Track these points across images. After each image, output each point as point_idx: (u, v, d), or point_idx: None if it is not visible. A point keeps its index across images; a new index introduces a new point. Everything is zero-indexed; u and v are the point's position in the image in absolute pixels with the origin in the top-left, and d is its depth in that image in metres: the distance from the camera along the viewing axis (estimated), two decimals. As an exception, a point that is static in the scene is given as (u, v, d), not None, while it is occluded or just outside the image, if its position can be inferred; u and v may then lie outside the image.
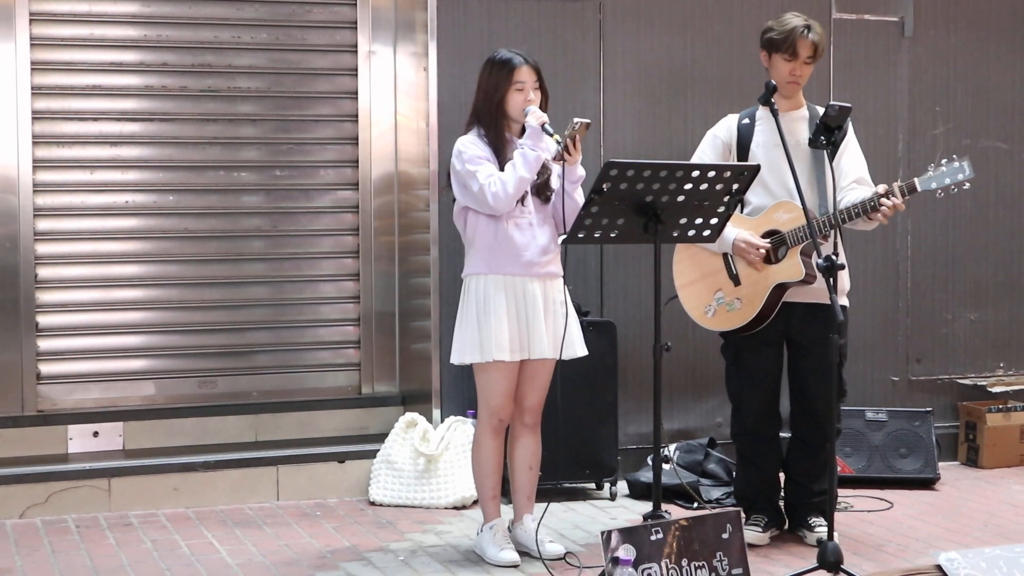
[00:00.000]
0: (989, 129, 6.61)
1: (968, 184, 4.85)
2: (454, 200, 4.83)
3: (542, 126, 4.64)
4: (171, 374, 5.95)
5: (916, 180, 4.86)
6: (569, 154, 4.63)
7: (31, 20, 5.66)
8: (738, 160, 5.06)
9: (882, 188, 4.82)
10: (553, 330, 4.74)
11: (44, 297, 5.75)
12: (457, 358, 4.82)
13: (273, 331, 6.07)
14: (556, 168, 4.74)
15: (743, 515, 4.93)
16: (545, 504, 4.92)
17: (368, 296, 6.15)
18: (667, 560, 3.90)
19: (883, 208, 4.77)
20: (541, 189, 4.76)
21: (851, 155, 5.09)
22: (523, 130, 4.72)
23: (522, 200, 4.72)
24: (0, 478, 5.39)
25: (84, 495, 5.48)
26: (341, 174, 6.13)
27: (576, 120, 4.59)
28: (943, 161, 4.87)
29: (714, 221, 4.67)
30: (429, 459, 5.63)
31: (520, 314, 4.72)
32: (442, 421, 5.79)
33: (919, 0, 6.45)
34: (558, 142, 4.60)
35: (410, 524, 5.38)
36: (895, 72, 6.45)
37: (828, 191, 4.92)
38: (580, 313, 4.93)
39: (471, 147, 4.74)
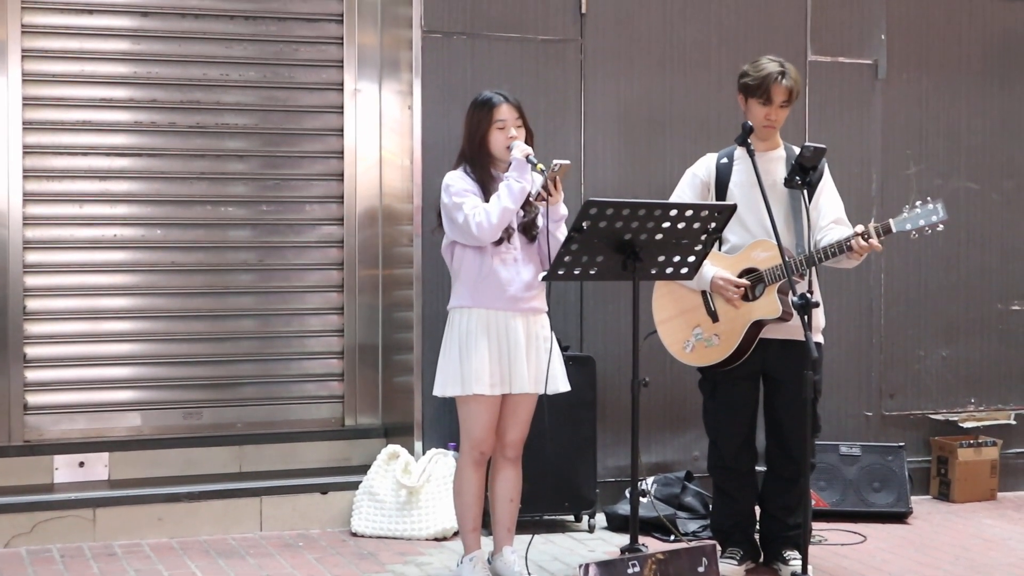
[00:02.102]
0: (960, 170, 6.74)
1: (942, 226, 4.93)
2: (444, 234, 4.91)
3: (526, 158, 4.72)
4: (157, 405, 5.99)
5: (891, 221, 4.93)
6: (550, 194, 4.72)
7: (23, 56, 5.74)
8: (716, 198, 5.15)
9: (859, 228, 4.91)
10: (535, 365, 4.82)
11: (32, 328, 5.81)
12: (439, 390, 4.88)
13: (258, 363, 6.13)
14: (543, 207, 4.83)
15: (719, 548, 5.02)
16: (530, 537, 4.99)
17: (352, 329, 6.22)
18: (645, 591, 3.98)
19: (859, 247, 4.86)
20: (528, 228, 4.84)
21: (828, 195, 5.17)
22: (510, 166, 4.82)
23: (508, 237, 4.79)
24: (-14, 507, 5.44)
25: (69, 525, 5.52)
26: (327, 209, 6.21)
27: (556, 162, 4.68)
28: (917, 203, 4.95)
29: (692, 259, 4.76)
30: (411, 491, 5.69)
31: (502, 349, 4.79)
32: (424, 453, 5.85)
33: (892, 44, 6.59)
34: (542, 171, 4.68)
35: (391, 555, 5.43)
36: (869, 113, 6.58)
37: (804, 230, 5.00)
38: (560, 348, 5.01)
39: (458, 181, 4.82)
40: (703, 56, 6.32)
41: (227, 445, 6.04)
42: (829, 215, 5.11)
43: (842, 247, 4.89)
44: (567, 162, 4.70)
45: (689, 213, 4.61)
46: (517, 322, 4.80)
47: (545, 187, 4.70)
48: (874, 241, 4.86)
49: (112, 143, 5.92)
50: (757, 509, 5.33)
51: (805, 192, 4.96)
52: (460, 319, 4.83)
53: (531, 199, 4.77)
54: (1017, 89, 6.84)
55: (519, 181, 4.71)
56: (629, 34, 6.21)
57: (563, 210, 4.83)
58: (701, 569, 4.09)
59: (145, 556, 5.36)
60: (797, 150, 5.04)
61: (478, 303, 4.79)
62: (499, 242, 4.77)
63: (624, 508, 5.77)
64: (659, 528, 5.67)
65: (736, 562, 5.16)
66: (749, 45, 6.21)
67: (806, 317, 4.55)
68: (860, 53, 6.56)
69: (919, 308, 6.67)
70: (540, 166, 4.68)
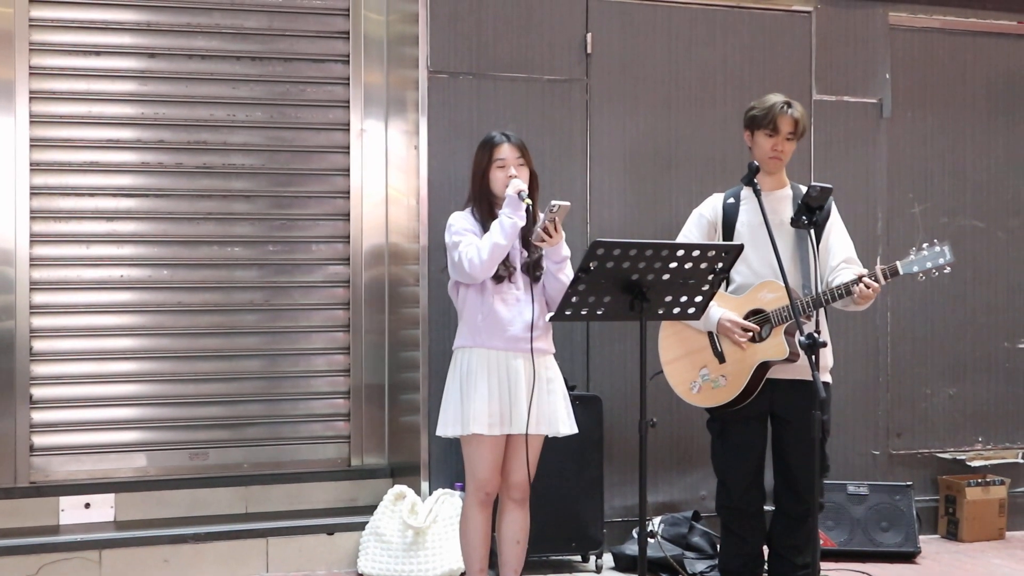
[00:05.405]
0: (966, 208, 6.76)
1: (949, 268, 4.92)
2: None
3: (518, 194, 4.72)
4: (163, 446, 5.98)
5: (898, 264, 4.93)
6: (550, 236, 4.72)
7: (31, 98, 5.77)
8: (723, 239, 5.16)
9: (865, 271, 4.92)
10: (536, 406, 4.80)
11: (39, 369, 5.81)
12: (441, 430, 4.86)
13: (265, 404, 6.12)
14: (544, 248, 4.82)
15: (728, 589, 5.00)
16: (533, 578, 4.97)
17: (358, 369, 6.22)
18: (654, 634, 3.96)
19: (862, 294, 4.84)
20: (532, 268, 4.84)
21: (838, 235, 5.16)
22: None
23: (510, 276, 4.80)
24: (-8, 550, 5.42)
25: (75, 567, 5.49)
26: (333, 249, 6.22)
27: (554, 203, 4.67)
28: (924, 245, 4.94)
29: (699, 299, 4.75)
30: (417, 531, 5.67)
31: (502, 389, 4.77)
32: (430, 494, 5.83)
33: (897, 83, 6.61)
34: (528, 206, 4.68)
35: (398, 596, 5.43)
36: (874, 152, 6.60)
37: (811, 270, 5.01)
38: (567, 388, 4.99)
39: (459, 221, 4.85)
40: (708, 96, 6.34)
41: (233, 486, 6.03)
42: (840, 254, 5.11)
43: (849, 289, 4.88)
44: (566, 203, 4.69)
45: (696, 253, 4.60)
46: (518, 362, 4.78)
47: (544, 228, 4.70)
48: (875, 284, 4.85)
49: (119, 184, 5.94)
50: (765, 549, 5.31)
51: (812, 232, 4.96)
52: (462, 359, 4.83)
53: (531, 240, 4.78)
54: (1022, 127, 6.86)
55: (510, 217, 4.71)
56: (635, 74, 6.23)
57: (565, 251, 4.82)
58: (710, 611, 4.07)
59: (151, 598, 5.36)
60: (804, 189, 5.04)
61: (479, 343, 4.79)
62: (500, 281, 4.78)
63: (631, 548, 5.76)
64: (666, 568, 5.65)
65: (744, 603, 5.14)
66: (754, 84, 6.23)
67: (813, 357, 4.53)
68: (865, 92, 6.58)
69: (926, 347, 6.67)
70: (527, 201, 4.68)
